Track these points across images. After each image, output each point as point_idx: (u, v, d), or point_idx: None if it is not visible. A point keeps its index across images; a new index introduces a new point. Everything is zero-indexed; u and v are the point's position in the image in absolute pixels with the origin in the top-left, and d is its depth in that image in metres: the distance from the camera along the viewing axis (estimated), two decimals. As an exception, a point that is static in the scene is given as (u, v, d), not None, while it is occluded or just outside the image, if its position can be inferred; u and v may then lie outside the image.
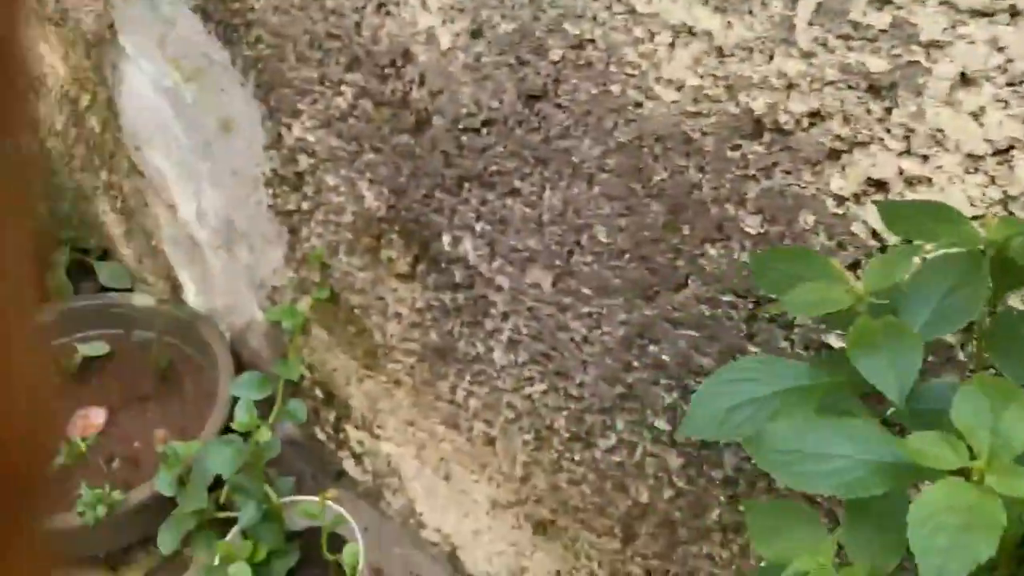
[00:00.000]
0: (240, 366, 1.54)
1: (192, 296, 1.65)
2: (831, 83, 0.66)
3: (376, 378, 1.31)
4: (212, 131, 1.30)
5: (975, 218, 0.60)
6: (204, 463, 1.21)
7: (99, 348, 1.60)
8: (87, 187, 1.71)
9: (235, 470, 1.17)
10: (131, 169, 1.55)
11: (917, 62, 0.61)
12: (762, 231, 0.75)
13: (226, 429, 1.43)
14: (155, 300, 1.66)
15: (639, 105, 0.78)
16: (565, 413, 1.03)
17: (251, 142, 1.25)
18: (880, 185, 0.66)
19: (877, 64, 0.63)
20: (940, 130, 0.61)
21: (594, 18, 0.77)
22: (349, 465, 1.53)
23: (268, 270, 1.39)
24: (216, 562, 1.22)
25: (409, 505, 1.43)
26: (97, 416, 1.53)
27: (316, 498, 1.21)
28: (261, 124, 1.20)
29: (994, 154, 0.59)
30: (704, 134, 0.74)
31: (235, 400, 1.31)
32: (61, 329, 1.52)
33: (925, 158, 0.63)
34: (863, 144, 0.66)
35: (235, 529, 1.29)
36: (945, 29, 0.59)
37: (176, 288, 1.68)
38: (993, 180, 0.60)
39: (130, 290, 1.74)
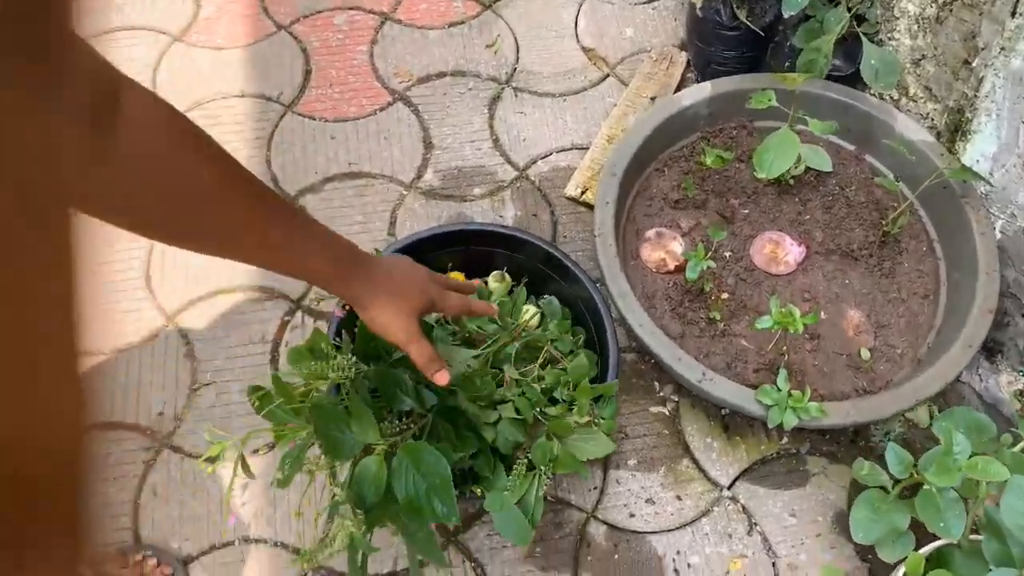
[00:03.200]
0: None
1: (975, 157, 1.20)
2: None
3: None
4: None
5: None
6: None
7: (821, 160, 1.27)
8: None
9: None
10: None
11: None
12: None
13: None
14: (932, 137, 1.24)
15: None
16: None
17: None
18: None
19: None
20: None
21: None
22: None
23: None
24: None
25: None
26: (791, 251, 1.26)
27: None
28: None
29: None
30: None
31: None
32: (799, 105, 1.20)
33: None
34: None
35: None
36: None
37: (957, 133, 1.23)
38: None
39: (869, 94, 1.33)
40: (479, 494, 1.00)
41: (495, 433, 0.99)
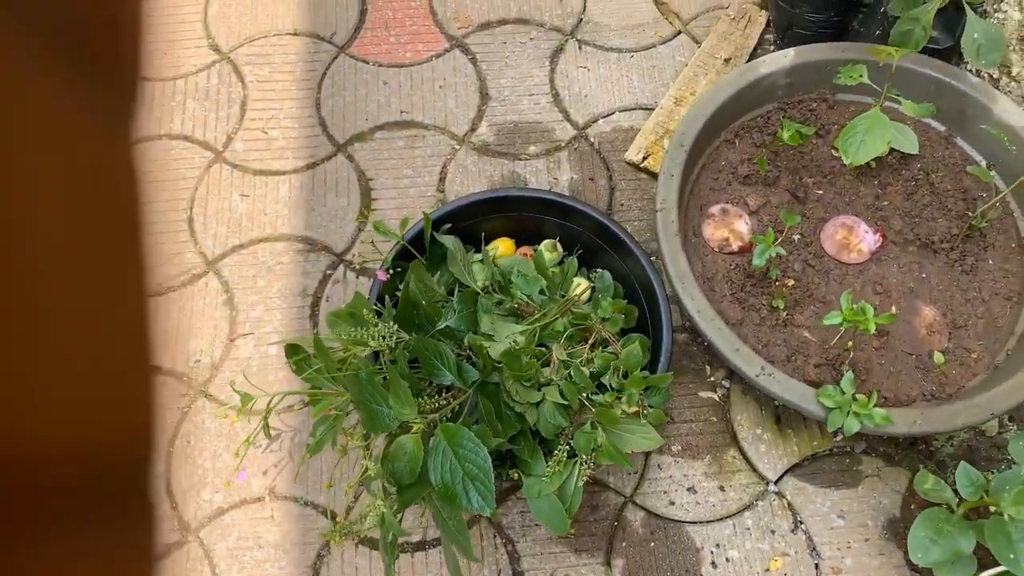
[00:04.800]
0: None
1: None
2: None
3: None
4: None
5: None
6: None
7: (907, 142, 1.17)
8: None
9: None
10: None
11: None
12: None
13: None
14: (1032, 128, 1.14)
15: None
16: None
17: None
18: None
19: None
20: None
21: None
22: None
23: None
24: None
25: None
26: (865, 238, 1.18)
27: None
28: None
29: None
30: None
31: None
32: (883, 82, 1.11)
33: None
34: None
35: None
36: None
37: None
38: None
39: (968, 71, 1.22)
40: (516, 478, 0.97)
41: (537, 415, 0.94)
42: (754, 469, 1.19)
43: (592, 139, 1.42)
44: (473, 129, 1.43)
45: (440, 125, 1.43)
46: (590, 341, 1.00)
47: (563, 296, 1.09)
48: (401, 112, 1.44)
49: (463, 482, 0.83)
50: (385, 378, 0.93)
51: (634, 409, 0.95)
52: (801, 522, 1.16)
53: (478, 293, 1.04)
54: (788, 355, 1.10)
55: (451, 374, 0.92)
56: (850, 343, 1.09)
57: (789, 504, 1.17)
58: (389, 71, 1.48)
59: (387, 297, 1.07)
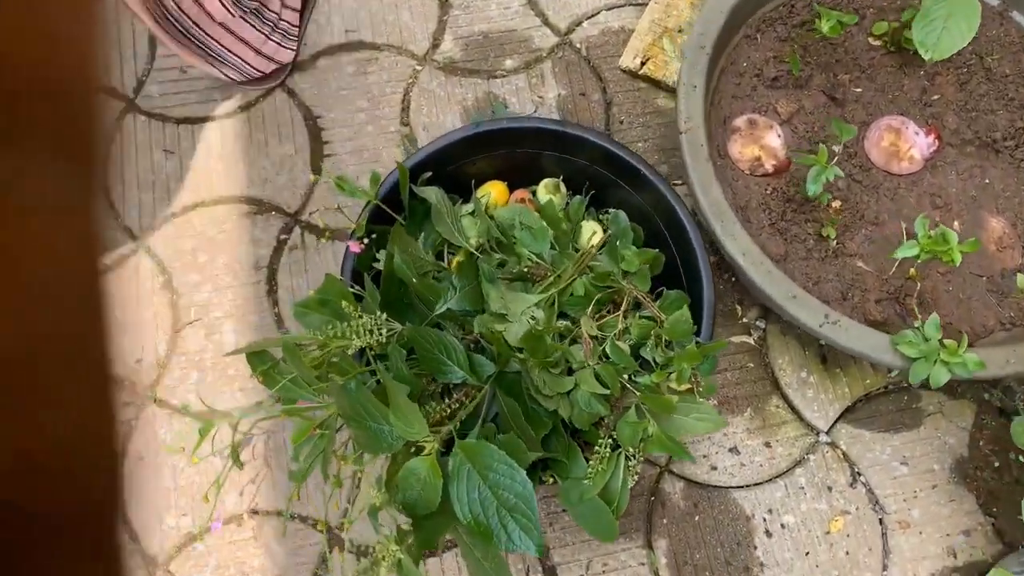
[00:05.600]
0: None
1: None
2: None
3: None
4: None
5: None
6: None
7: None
8: None
9: None
10: None
11: None
12: None
13: None
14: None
15: None
16: None
17: None
18: None
19: None
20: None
21: None
22: None
23: None
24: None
25: None
26: (916, 141, 1.01)
27: None
28: None
29: None
30: None
31: None
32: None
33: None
34: None
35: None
36: None
37: None
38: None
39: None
40: (551, 482, 0.80)
41: (570, 407, 0.78)
42: (802, 419, 1.05)
43: (578, 45, 1.20)
44: (435, 45, 1.20)
45: (395, 44, 1.20)
46: (622, 308, 0.82)
47: (576, 250, 0.90)
48: (347, 32, 1.20)
49: (498, 514, 0.66)
50: (378, 381, 0.75)
51: (686, 386, 0.78)
52: (860, 474, 1.03)
53: (477, 257, 0.85)
54: (843, 292, 0.94)
55: (461, 370, 0.74)
56: (911, 271, 0.94)
57: (844, 455, 1.04)
58: (324, -19, 1.23)
59: (364, 274, 0.87)
